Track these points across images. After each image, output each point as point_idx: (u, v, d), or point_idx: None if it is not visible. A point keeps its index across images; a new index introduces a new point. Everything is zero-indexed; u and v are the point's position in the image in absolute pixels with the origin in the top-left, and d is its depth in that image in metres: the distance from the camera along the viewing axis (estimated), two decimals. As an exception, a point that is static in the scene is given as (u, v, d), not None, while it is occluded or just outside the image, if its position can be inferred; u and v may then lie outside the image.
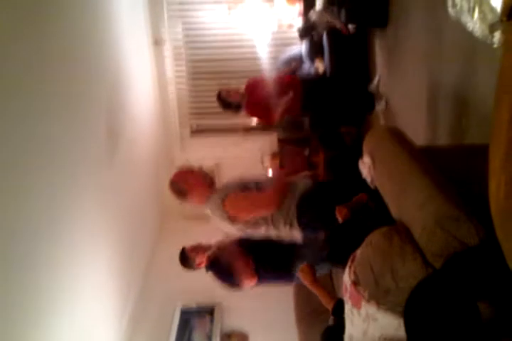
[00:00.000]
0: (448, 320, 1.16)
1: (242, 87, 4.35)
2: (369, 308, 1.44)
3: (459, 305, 1.16)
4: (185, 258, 3.29)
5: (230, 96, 4.25)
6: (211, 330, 4.33)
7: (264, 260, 3.12)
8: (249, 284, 3.08)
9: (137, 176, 4.96)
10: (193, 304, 4.60)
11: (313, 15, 4.50)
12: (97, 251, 3.63)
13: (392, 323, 1.39)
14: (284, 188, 2.81)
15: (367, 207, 2.08)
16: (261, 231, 2.85)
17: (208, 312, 4.52)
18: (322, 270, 3.13)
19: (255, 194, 2.81)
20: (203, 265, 3.26)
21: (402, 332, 1.33)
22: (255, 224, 2.81)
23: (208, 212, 2.96)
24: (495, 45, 1.05)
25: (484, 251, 1.23)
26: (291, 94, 4.14)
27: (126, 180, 4.52)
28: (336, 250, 1.91)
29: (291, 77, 4.51)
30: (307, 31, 4.75)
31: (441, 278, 1.27)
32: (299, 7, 5.25)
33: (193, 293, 4.51)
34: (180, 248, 3.36)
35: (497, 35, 1.03)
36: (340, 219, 2.29)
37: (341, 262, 1.70)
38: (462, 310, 1.15)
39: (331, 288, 3.76)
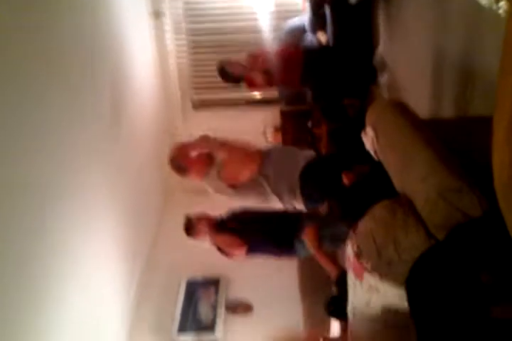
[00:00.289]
0: (450, 291, 1.17)
1: (243, 58, 4.29)
2: (371, 280, 1.46)
3: (462, 275, 1.17)
4: (190, 227, 3.34)
5: (230, 66, 4.20)
6: (216, 301, 4.39)
7: (265, 233, 3.16)
8: (238, 257, 3.19)
9: (140, 149, 4.96)
10: (198, 275, 4.66)
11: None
12: (102, 223, 3.67)
13: (394, 293, 1.41)
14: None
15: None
16: (262, 199, 2.91)
17: (213, 283, 4.57)
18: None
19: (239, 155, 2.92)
20: (206, 235, 3.30)
21: (404, 302, 1.35)
22: (255, 192, 2.86)
23: (207, 187, 3.00)
24: (500, 11, 1.02)
25: (487, 222, 1.23)
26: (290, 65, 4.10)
27: (129, 152, 4.53)
28: (349, 209, 1.91)
29: (292, 47, 4.44)
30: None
31: (444, 250, 1.28)
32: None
33: (199, 264, 4.57)
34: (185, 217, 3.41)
35: (502, 1, 1.00)
36: (347, 183, 2.34)
37: (354, 221, 1.70)
38: (464, 281, 1.16)
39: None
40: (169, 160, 3.04)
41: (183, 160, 2.99)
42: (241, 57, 4.33)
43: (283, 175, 2.82)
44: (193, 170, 2.98)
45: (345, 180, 2.36)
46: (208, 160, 2.99)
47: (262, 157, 2.94)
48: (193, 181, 3.16)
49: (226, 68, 4.20)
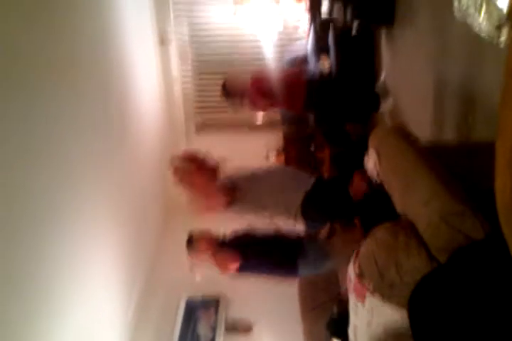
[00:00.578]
0: (452, 314, 1.18)
1: (247, 77, 4.34)
2: (373, 301, 1.46)
3: (464, 298, 1.17)
4: (192, 243, 3.35)
5: (233, 85, 4.24)
6: (216, 321, 4.36)
7: (267, 251, 3.16)
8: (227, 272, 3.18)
9: (143, 171, 4.99)
10: (198, 295, 4.63)
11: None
12: (102, 242, 3.66)
13: (395, 315, 1.41)
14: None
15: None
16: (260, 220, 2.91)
17: (213, 303, 4.55)
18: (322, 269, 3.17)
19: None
20: (206, 252, 3.30)
21: (406, 324, 1.35)
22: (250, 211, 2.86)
23: None
24: (501, 45, 1.06)
25: (489, 245, 1.24)
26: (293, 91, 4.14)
27: (132, 174, 4.56)
28: (368, 220, 1.92)
29: (296, 74, 4.50)
30: (325, 27, 4.72)
31: (446, 272, 1.29)
32: (305, 4, 5.24)
33: (199, 284, 4.54)
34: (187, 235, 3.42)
35: (503, 35, 1.04)
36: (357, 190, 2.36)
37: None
38: (466, 304, 1.16)
39: (335, 280, 3.78)
40: (173, 169, 2.97)
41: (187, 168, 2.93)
42: (245, 77, 4.38)
43: (282, 196, 2.81)
44: (195, 182, 2.92)
45: (357, 181, 2.40)
46: (213, 172, 2.96)
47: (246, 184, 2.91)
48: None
49: (229, 86, 4.24)
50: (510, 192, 0.97)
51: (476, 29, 1.14)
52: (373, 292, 1.45)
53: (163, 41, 5.69)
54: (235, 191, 2.85)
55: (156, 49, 5.68)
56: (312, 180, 2.96)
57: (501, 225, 1.05)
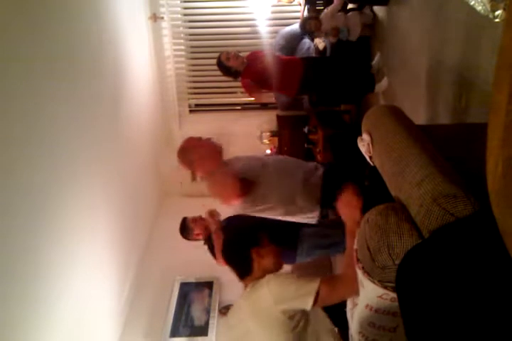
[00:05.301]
0: (437, 287, 1.18)
1: (244, 55, 4.29)
2: (366, 282, 1.46)
3: (448, 272, 1.17)
4: (185, 228, 3.34)
5: (229, 60, 4.18)
6: (209, 304, 4.40)
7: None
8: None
9: (137, 152, 4.96)
10: (192, 278, 4.65)
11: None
12: (97, 225, 3.66)
13: (387, 297, 1.42)
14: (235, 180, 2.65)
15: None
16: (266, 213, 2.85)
17: (206, 286, 4.59)
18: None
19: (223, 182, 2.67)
20: (201, 237, 3.30)
21: (397, 305, 1.35)
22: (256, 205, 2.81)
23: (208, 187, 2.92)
24: (496, 20, 1.03)
25: (475, 221, 1.24)
26: (289, 74, 4.10)
27: (126, 155, 4.54)
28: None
29: (293, 59, 4.45)
30: None
31: (430, 245, 1.28)
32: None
33: (193, 267, 4.56)
34: (181, 221, 3.42)
35: (498, 10, 1.01)
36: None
37: None
38: (451, 278, 1.16)
39: (329, 268, 3.79)
40: (178, 150, 2.83)
41: (193, 151, 2.80)
42: (243, 54, 4.33)
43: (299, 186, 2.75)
44: (201, 164, 2.80)
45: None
46: (218, 155, 2.86)
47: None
48: (198, 176, 3.01)
49: (224, 60, 4.19)
50: (501, 172, 0.96)
51: (471, 3, 1.11)
52: (365, 274, 1.45)
53: (155, 19, 5.60)
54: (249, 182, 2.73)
55: (148, 26, 5.59)
56: (314, 166, 2.90)
57: (492, 207, 1.05)
